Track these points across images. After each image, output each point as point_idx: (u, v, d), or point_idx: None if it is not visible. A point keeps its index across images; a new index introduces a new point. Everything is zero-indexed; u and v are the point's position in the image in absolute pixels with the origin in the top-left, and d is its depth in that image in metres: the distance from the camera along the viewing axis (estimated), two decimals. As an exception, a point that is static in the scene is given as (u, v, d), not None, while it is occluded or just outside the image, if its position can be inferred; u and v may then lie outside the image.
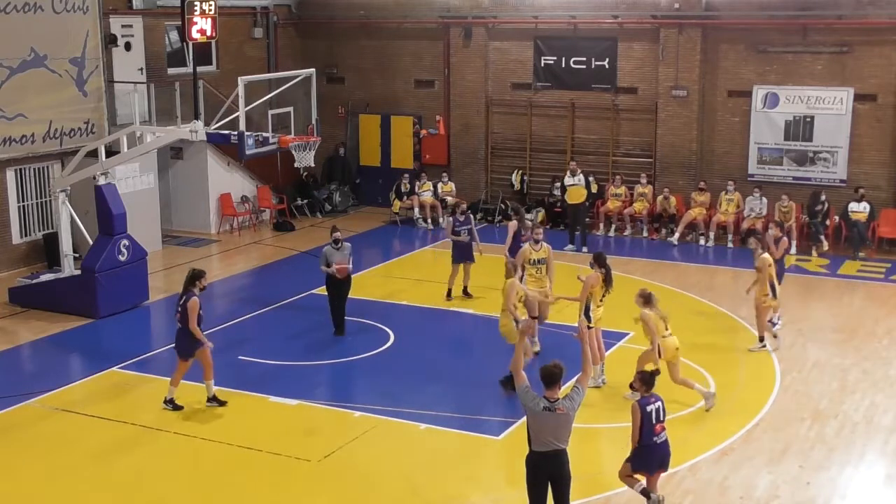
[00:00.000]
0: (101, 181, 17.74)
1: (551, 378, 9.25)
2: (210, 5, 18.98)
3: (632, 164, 24.40)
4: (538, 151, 25.43)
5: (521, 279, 14.64)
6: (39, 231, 21.07)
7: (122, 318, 17.59)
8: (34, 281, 18.53)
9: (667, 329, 13.20)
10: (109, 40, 22.04)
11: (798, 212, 22.19)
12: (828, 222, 21.97)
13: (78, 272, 18.01)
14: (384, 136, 26.91)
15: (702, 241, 22.74)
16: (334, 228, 16.15)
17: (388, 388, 14.30)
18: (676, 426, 12.71)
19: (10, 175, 20.43)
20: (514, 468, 10.13)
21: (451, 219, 18.82)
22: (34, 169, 20.91)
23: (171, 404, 13.43)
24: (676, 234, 22.78)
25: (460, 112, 25.91)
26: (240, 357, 15.33)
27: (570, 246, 22.01)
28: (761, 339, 15.54)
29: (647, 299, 13.19)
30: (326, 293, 16.24)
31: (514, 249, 17.76)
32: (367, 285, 18.89)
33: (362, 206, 26.90)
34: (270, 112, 18.73)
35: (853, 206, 21.67)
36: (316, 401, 13.88)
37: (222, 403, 13.41)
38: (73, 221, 18.43)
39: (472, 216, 18.96)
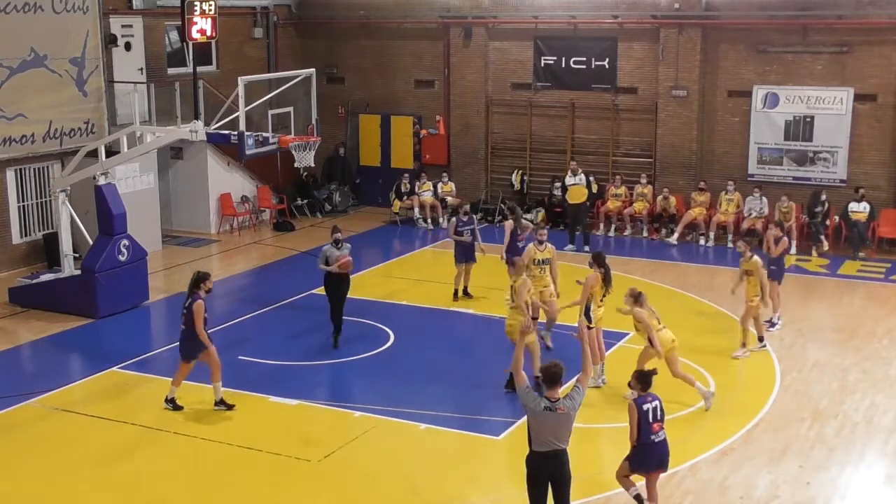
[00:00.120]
0: (101, 181, 17.74)
1: (552, 378, 9.27)
2: (210, 5, 18.98)
3: (632, 164, 24.40)
4: (538, 151, 25.43)
5: None
6: (39, 231, 21.07)
7: (122, 318, 17.59)
8: (34, 281, 18.54)
9: (659, 323, 13.30)
10: (109, 40, 22.04)
11: (798, 212, 22.20)
12: (828, 222, 21.97)
13: (78, 272, 18.01)
14: (384, 136, 26.91)
15: (702, 241, 22.74)
16: (335, 228, 16.01)
17: (388, 388, 14.30)
18: (676, 426, 12.72)
19: (10, 175, 20.43)
20: (515, 468, 10.13)
21: (453, 219, 18.81)
22: (34, 169, 20.92)
23: (172, 404, 13.43)
24: (675, 235, 22.79)
25: (460, 112, 25.92)
26: (240, 357, 15.32)
27: (570, 246, 22.00)
28: (743, 345, 15.43)
29: (636, 298, 13.29)
30: (325, 294, 16.07)
31: (510, 249, 17.81)
32: (367, 285, 18.88)
33: (362, 206, 26.90)
34: (270, 112, 18.74)
35: (853, 206, 21.67)
36: (316, 401, 13.88)
37: (230, 407, 13.34)
38: (73, 221, 18.43)
39: (474, 217, 18.96)
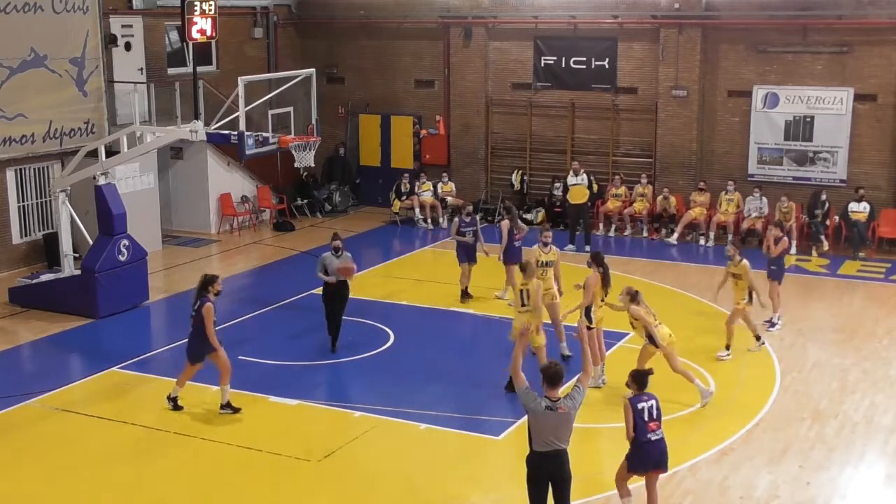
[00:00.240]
0: (101, 181, 17.74)
1: (552, 378, 9.28)
2: (210, 5, 18.98)
3: (632, 164, 24.40)
4: (538, 151, 25.43)
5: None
6: (39, 231, 21.07)
7: (122, 318, 17.59)
8: (34, 281, 18.54)
9: (655, 319, 13.36)
10: (109, 40, 22.04)
11: (798, 212, 22.20)
12: (828, 222, 21.97)
13: (78, 272, 18.01)
14: (384, 136, 26.91)
15: (702, 241, 22.74)
16: (335, 236, 15.75)
17: (388, 388, 14.29)
18: (676, 426, 12.73)
19: (10, 175, 20.43)
20: (515, 468, 10.13)
21: (456, 219, 18.79)
22: (34, 169, 20.92)
23: (173, 403, 13.40)
24: (675, 234, 22.79)
25: (460, 112, 25.92)
26: (240, 357, 15.29)
27: (570, 246, 21.98)
28: (727, 347, 15.35)
29: (633, 297, 13.34)
30: (322, 303, 15.68)
31: (508, 249, 17.82)
32: (367, 285, 18.88)
33: (362, 206, 26.91)
34: (270, 112, 18.74)
35: (853, 206, 21.67)
36: (316, 401, 13.88)
37: (236, 410, 13.29)
38: (73, 221, 18.43)
39: (477, 218, 18.93)
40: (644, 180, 23.74)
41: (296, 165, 17.80)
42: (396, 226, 25.02)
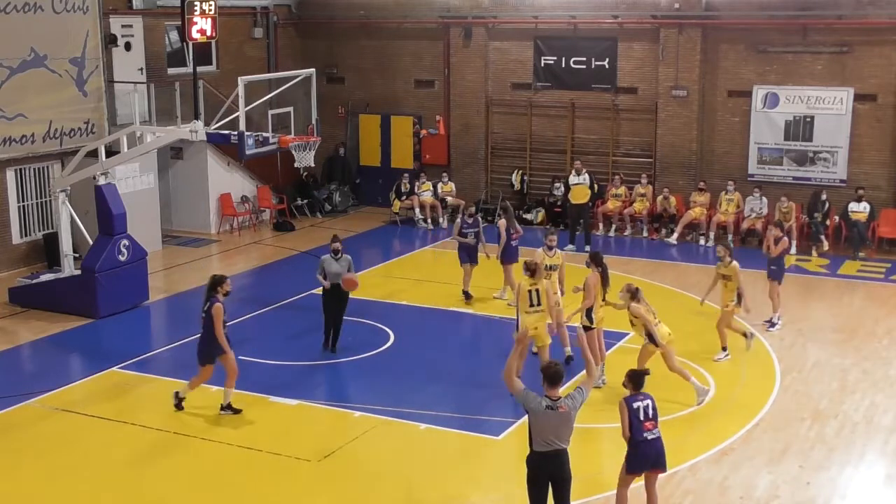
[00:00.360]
0: (101, 181, 17.74)
1: (552, 377, 9.29)
2: (210, 5, 18.99)
3: (632, 164, 24.41)
4: (538, 151, 25.44)
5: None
6: (39, 231, 21.07)
7: (122, 318, 17.60)
8: (34, 281, 18.54)
9: (655, 318, 13.37)
10: (109, 40, 22.05)
11: (798, 212, 22.20)
12: (828, 222, 21.98)
13: (78, 272, 18.01)
14: (384, 136, 26.91)
15: (702, 241, 22.74)
16: (335, 238, 15.62)
17: (388, 388, 14.29)
18: (676, 426, 12.75)
19: (10, 175, 20.43)
20: (515, 468, 10.13)
21: (458, 220, 18.76)
22: (34, 169, 20.92)
23: (178, 401, 13.35)
24: (675, 234, 22.79)
25: (460, 112, 25.92)
26: (240, 357, 15.19)
27: (570, 246, 21.98)
28: (724, 349, 15.31)
29: (633, 294, 13.37)
30: (322, 306, 15.55)
31: (505, 249, 17.83)
32: (367, 285, 18.83)
33: (362, 206, 26.91)
34: (270, 112, 18.74)
35: (853, 206, 21.67)
36: (316, 401, 13.88)
37: (237, 412, 13.29)
38: (73, 221, 18.43)
39: (479, 219, 18.89)
40: (644, 180, 23.74)
41: (296, 165, 17.80)
42: (396, 226, 25.02)
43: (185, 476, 11.79)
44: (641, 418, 9.93)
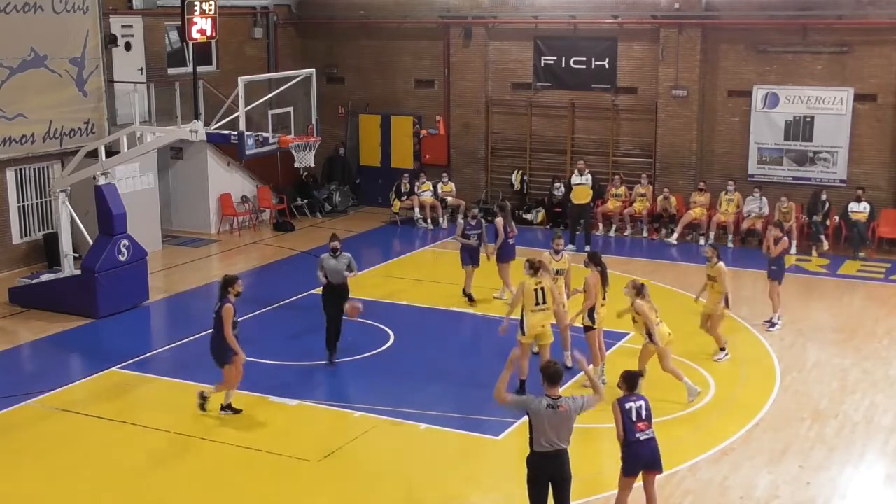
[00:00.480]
0: (101, 181, 17.74)
1: (552, 376, 9.32)
2: (210, 5, 18.99)
3: (632, 164, 24.40)
4: (538, 151, 25.44)
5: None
6: (39, 231, 21.07)
7: (122, 318, 17.60)
8: (34, 281, 18.54)
9: (657, 317, 13.38)
10: (109, 40, 22.05)
11: (798, 212, 22.20)
12: (828, 222, 21.98)
13: (78, 272, 18.02)
14: (384, 136, 26.91)
15: (701, 241, 22.71)
16: (333, 236, 15.53)
17: (388, 388, 14.29)
18: (676, 426, 12.76)
19: (10, 175, 20.43)
20: (515, 468, 10.13)
21: (461, 221, 18.73)
22: (34, 169, 20.92)
23: (203, 400, 13.23)
24: (675, 234, 22.79)
25: (460, 112, 25.91)
26: (240, 357, 15.31)
27: (570, 246, 21.95)
28: (722, 349, 15.28)
29: (639, 290, 13.37)
30: (322, 309, 15.35)
31: (502, 247, 17.83)
32: (367, 285, 18.86)
33: (362, 206, 26.91)
34: (270, 112, 18.74)
35: (853, 206, 21.67)
36: (316, 401, 13.88)
37: (237, 412, 13.29)
38: (73, 221, 18.43)
39: (483, 220, 18.84)
40: (644, 180, 23.74)
41: (296, 165, 17.79)
42: (396, 226, 25.02)
43: (185, 476, 11.79)
44: (634, 419, 9.91)
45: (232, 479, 11.67)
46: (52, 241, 20.07)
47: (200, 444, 12.51)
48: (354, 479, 11.69)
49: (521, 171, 25.45)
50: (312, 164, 18.39)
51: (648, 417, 10.01)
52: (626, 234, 23.79)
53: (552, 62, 24.92)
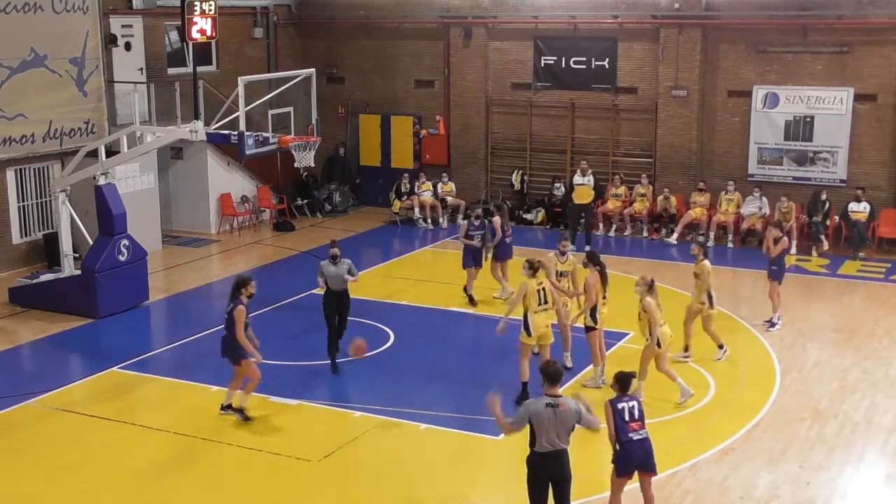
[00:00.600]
0: (101, 181, 17.74)
1: (552, 376, 9.34)
2: (210, 5, 19.00)
3: (632, 164, 24.40)
4: (538, 151, 25.44)
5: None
6: (39, 231, 21.07)
7: (122, 318, 17.59)
8: (34, 281, 18.54)
9: (661, 318, 13.38)
10: (109, 40, 22.05)
11: (798, 212, 22.20)
12: (828, 222, 21.98)
13: (78, 272, 18.02)
14: (384, 136, 26.91)
15: (700, 240, 22.68)
16: (332, 243, 15.31)
17: (388, 388, 14.29)
18: (676, 426, 12.77)
19: (10, 175, 20.44)
20: (515, 468, 10.13)
21: (465, 222, 18.67)
22: (34, 169, 20.92)
23: (242, 415, 13.01)
24: (675, 234, 22.78)
25: (460, 112, 25.92)
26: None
27: (570, 246, 21.90)
28: (721, 346, 15.23)
29: (650, 286, 13.32)
30: (323, 315, 15.13)
31: (500, 246, 17.81)
32: (367, 285, 18.84)
33: (362, 206, 26.91)
34: (270, 112, 18.74)
35: (853, 206, 21.67)
36: (316, 401, 13.87)
37: (238, 412, 13.29)
38: (73, 221, 18.43)
39: (486, 222, 18.80)
40: (644, 180, 23.73)
41: (296, 165, 17.79)
42: (396, 226, 25.02)
43: (185, 476, 11.79)
44: (627, 419, 9.90)
45: (232, 478, 11.67)
46: (52, 241, 20.07)
47: (200, 445, 12.51)
48: (354, 479, 11.69)
49: (521, 171, 25.45)
50: (312, 164, 18.39)
51: (641, 418, 10.00)
52: (626, 234, 23.80)
53: (552, 62, 24.92)
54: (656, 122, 23.92)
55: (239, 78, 16.63)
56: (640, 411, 10.00)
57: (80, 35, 20.87)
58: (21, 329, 17.11)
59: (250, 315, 12.59)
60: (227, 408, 13.27)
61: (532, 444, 9.32)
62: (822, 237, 21.56)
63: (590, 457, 11.95)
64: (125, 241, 17.82)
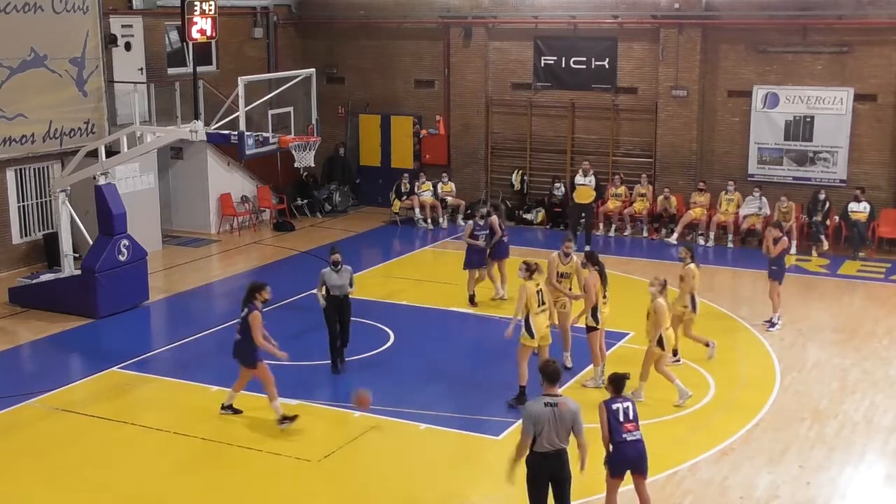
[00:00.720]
0: (101, 181, 17.74)
1: (551, 375, 9.37)
2: (210, 5, 18.99)
3: (632, 164, 24.40)
4: (538, 151, 25.43)
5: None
6: (39, 231, 21.07)
7: (122, 318, 17.59)
8: (34, 281, 18.54)
9: (668, 321, 13.40)
10: (109, 40, 22.05)
11: (798, 212, 22.20)
12: (828, 222, 21.98)
13: (78, 272, 18.01)
14: (384, 136, 26.91)
15: (701, 241, 22.72)
16: (333, 249, 15.08)
17: (388, 388, 14.27)
18: (676, 426, 12.77)
19: (10, 175, 20.43)
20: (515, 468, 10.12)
21: (470, 222, 18.65)
22: (34, 169, 20.92)
23: (281, 419, 12.82)
24: (675, 234, 22.77)
25: (460, 112, 25.91)
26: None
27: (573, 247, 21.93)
28: (707, 344, 15.11)
29: (663, 287, 13.33)
30: (324, 320, 14.98)
31: (497, 245, 17.81)
32: (367, 285, 18.87)
33: (362, 206, 26.90)
34: (270, 112, 18.73)
35: (853, 205, 21.66)
36: (316, 401, 13.87)
37: (237, 412, 13.27)
38: (73, 221, 18.43)
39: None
40: (644, 180, 23.73)
41: (296, 165, 17.79)
42: (396, 226, 25.02)
43: (185, 476, 11.79)
44: (621, 419, 9.89)
45: (232, 478, 11.67)
46: (52, 241, 20.07)
47: (200, 445, 12.51)
48: (354, 479, 11.69)
49: (521, 171, 25.45)
50: (312, 164, 18.38)
51: (635, 419, 10.00)
52: (626, 234, 23.79)
53: (552, 62, 24.92)
54: (656, 122, 23.91)
55: (239, 78, 16.63)
56: (635, 412, 10.00)
57: (80, 35, 20.87)
58: (21, 329, 17.11)
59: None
60: (227, 408, 13.27)
61: (532, 444, 9.32)
62: (822, 237, 21.56)
63: (590, 457, 11.91)
64: (125, 241, 17.82)
